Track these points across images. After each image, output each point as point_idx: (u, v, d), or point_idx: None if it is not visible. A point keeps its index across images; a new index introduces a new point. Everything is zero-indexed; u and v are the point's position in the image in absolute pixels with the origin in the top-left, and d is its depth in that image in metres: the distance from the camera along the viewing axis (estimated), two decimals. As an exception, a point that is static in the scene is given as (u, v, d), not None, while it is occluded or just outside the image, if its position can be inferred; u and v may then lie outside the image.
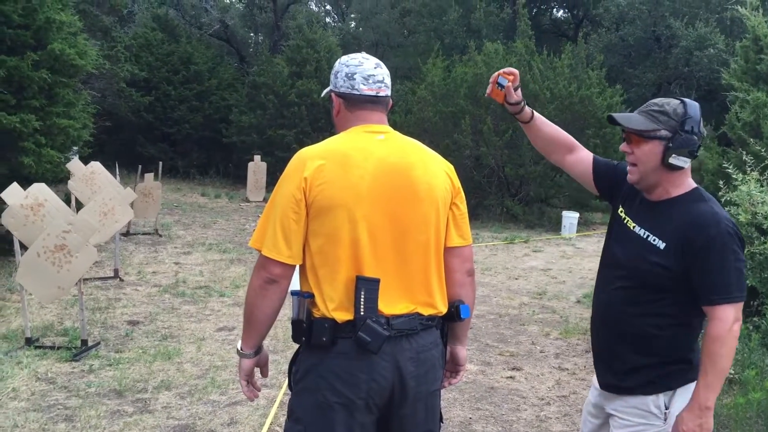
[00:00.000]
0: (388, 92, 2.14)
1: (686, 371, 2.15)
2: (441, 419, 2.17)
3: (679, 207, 2.13)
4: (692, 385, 2.09)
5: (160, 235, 10.48)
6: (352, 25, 29.57)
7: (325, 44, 18.91)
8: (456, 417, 4.23)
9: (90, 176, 7.48)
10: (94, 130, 10.24)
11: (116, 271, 7.69)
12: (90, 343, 5.23)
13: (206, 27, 21.52)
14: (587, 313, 6.13)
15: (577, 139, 2.47)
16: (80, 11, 11.82)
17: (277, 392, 4.42)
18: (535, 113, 2.43)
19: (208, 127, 19.17)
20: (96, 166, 7.58)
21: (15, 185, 5.38)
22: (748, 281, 4.48)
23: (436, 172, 2.08)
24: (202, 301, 6.86)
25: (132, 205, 7.70)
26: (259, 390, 2.23)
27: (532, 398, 4.61)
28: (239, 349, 2.14)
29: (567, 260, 10.25)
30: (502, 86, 2.33)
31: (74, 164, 7.50)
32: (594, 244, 11.87)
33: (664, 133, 2.08)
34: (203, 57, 19.69)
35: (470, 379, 4.92)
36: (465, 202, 2.19)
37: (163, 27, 19.48)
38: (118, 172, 8.88)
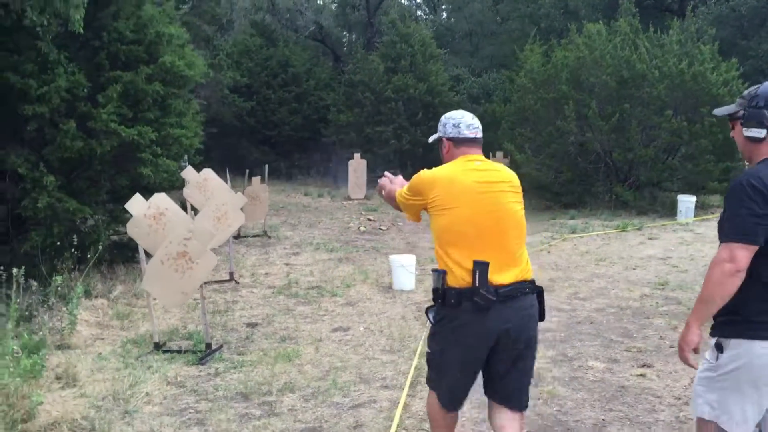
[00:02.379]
0: (481, 134, 3.06)
1: (735, 323, 2.40)
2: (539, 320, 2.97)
3: None
4: (743, 341, 2.36)
5: (269, 237, 10.73)
6: (444, 17, 29.34)
7: (418, 38, 18.82)
8: (588, 419, 4.03)
9: (203, 183, 7.71)
10: (204, 137, 10.57)
11: (231, 274, 7.90)
12: (213, 346, 5.37)
13: (302, 29, 21.90)
14: (719, 305, 5.75)
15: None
16: (185, 23, 12.24)
17: (400, 393, 4.36)
18: None
19: (307, 127, 19.52)
20: (208, 172, 7.81)
21: (138, 196, 5.57)
22: None
23: (515, 183, 3.00)
24: (316, 301, 6.93)
25: (242, 208, 7.88)
26: None
27: (667, 398, 4.34)
28: None
29: (687, 247, 9.70)
30: None
31: (188, 172, 7.75)
32: (715, 228, 11.15)
33: (741, 113, 2.48)
34: (300, 59, 20.06)
35: (597, 377, 4.69)
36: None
37: (261, 32, 19.98)
38: (228, 178, 9.11)
